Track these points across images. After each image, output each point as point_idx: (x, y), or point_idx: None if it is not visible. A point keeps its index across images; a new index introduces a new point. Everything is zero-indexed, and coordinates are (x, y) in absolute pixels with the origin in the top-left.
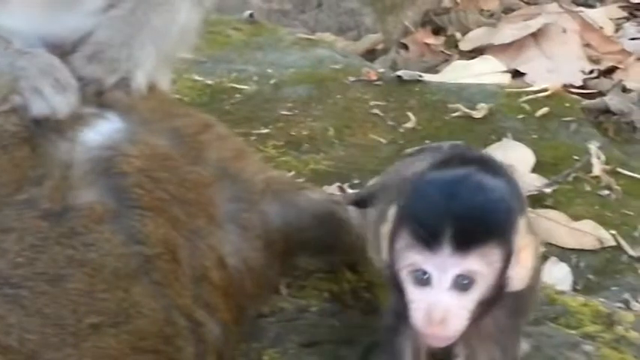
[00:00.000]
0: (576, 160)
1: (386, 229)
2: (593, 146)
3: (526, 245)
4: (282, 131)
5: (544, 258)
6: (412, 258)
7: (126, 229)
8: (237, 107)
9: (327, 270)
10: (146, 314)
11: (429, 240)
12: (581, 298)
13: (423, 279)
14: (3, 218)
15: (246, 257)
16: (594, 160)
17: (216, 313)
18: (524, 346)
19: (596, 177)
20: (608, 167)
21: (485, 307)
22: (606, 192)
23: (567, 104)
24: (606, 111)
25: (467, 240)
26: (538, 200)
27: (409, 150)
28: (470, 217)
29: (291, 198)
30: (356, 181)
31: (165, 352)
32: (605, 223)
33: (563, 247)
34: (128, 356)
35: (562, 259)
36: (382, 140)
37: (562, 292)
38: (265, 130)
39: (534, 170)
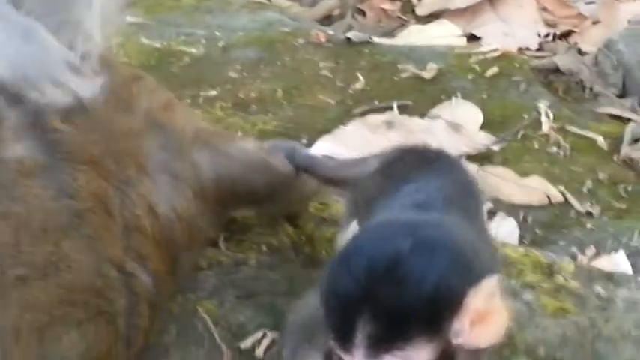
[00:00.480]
0: (525, 118)
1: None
2: (542, 105)
3: (493, 309)
4: (230, 93)
5: (491, 214)
6: (332, 343)
7: (57, 183)
8: (185, 70)
9: (266, 224)
10: (76, 268)
11: (341, 337)
12: (521, 249)
13: None
14: None
15: (177, 206)
16: (543, 119)
17: (148, 264)
18: None
19: (545, 135)
20: (556, 125)
21: None
22: (555, 149)
23: (517, 64)
24: (556, 70)
25: (381, 344)
26: (486, 158)
27: (357, 110)
28: (387, 319)
29: (222, 148)
30: (304, 141)
31: (97, 304)
32: (553, 180)
33: (511, 203)
34: (57, 309)
35: (510, 214)
36: (331, 101)
37: (503, 244)
38: (213, 92)
39: (483, 129)
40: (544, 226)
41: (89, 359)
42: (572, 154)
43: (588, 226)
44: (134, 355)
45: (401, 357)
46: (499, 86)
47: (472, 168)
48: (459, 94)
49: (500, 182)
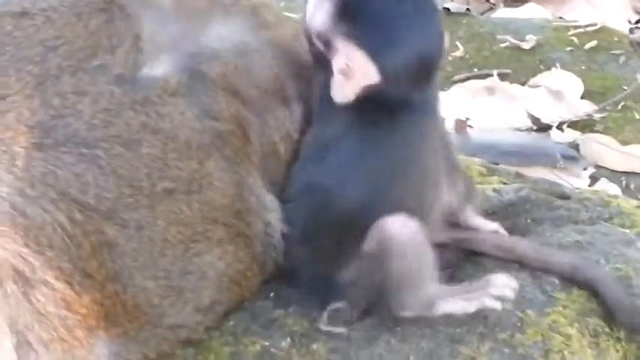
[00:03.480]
0: (625, 90)
1: None
2: None
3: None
4: None
5: (594, 180)
6: None
7: (199, 104)
8: None
9: None
10: (218, 187)
11: None
12: (633, 201)
13: None
14: (78, 82)
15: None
16: None
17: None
18: None
19: None
20: None
21: None
22: None
23: (616, 38)
24: None
25: None
26: (588, 126)
27: (457, 77)
28: None
29: None
30: None
31: (236, 226)
32: None
33: (613, 170)
34: (200, 225)
35: (612, 181)
36: None
37: (615, 196)
38: None
39: (583, 98)
40: None
41: (226, 279)
42: None
43: None
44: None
45: None
46: (598, 59)
47: (574, 135)
48: (557, 65)
49: (602, 149)
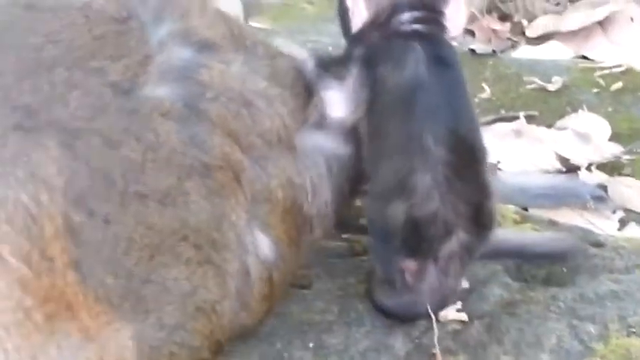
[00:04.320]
0: None
1: None
2: None
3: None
4: None
5: (622, 223)
6: None
7: (189, 133)
8: None
9: None
10: (194, 210)
11: None
12: None
13: None
14: (71, 76)
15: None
16: None
17: (271, 232)
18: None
19: None
20: None
21: None
22: None
23: None
24: None
25: None
26: (616, 168)
27: (485, 119)
28: None
29: None
30: None
31: (209, 253)
32: None
33: None
34: (169, 237)
35: None
36: None
37: None
38: None
39: (610, 141)
40: None
41: (191, 303)
42: None
43: None
44: (256, 320)
45: None
46: (625, 101)
47: (602, 177)
48: (584, 107)
49: (630, 193)
